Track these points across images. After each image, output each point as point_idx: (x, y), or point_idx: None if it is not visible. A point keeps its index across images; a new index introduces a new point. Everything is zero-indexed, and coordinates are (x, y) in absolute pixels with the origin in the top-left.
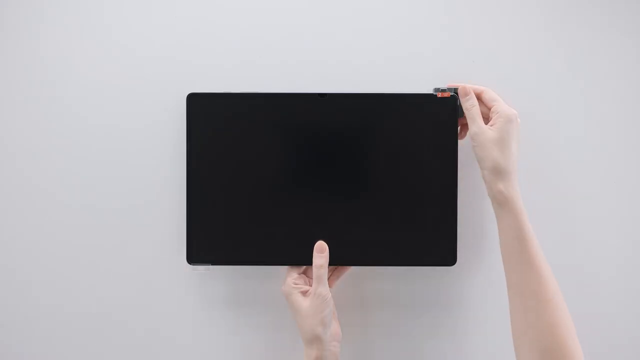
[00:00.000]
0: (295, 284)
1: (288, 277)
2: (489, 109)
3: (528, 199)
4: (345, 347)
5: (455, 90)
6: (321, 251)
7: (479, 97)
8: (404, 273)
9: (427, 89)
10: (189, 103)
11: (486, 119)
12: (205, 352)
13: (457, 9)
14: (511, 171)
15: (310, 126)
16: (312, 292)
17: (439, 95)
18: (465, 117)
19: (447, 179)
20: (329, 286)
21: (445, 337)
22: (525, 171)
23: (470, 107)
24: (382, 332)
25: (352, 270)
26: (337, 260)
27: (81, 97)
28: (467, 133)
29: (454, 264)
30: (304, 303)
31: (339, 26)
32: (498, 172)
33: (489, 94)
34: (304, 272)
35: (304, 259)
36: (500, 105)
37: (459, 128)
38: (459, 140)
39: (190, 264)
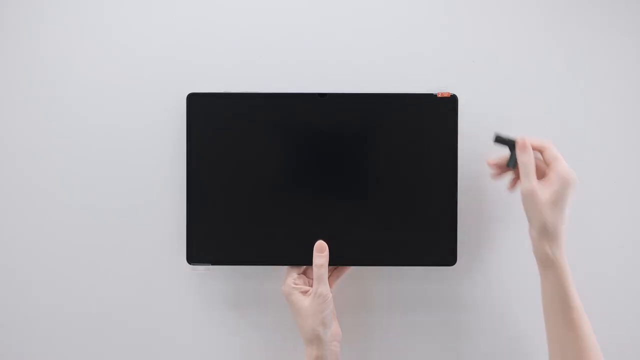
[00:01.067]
0: (295, 284)
1: (288, 277)
2: (548, 164)
3: None
4: (346, 347)
5: (506, 138)
6: (321, 250)
7: (540, 152)
8: (404, 273)
9: (427, 89)
10: (189, 103)
11: (540, 174)
12: (205, 352)
13: (457, 9)
14: (560, 234)
15: (310, 126)
16: (312, 292)
17: (439, 95)
18: (518, 168)
19: (447, 178)
20: (329, 286)
21: (445, 337)
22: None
23: (527, 162)
24: (382, 332)
25: (352, 270)
26: (337, 260)
27: (81, 97)
28: (517, 186)
29: (454, 264)
30: (305, 303)
31: (339, 26)
32: (546, 234)
33: (551, 152)
34: (304, 272)
35: (304, 259)
36: (561, 165)
37: (510, 178)
38: (508, 190)
39: (190, 264)
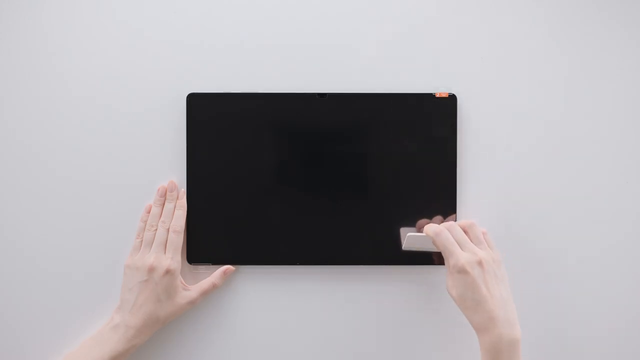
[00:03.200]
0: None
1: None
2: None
3: (539, 196)
4: (344, 348)
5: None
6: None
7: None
8: (404, 273)
9: (427, 89)
10: (189, 103)
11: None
12: (205, 353)
13: (458, 8)
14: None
15: (310, 126)
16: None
17: (437, 95)
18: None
19: (447, 178)
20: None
21: (445, 337)
22: (531, 170)
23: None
24: (381, 332)
25: (351, 270)
26: (337, 260)
27: (80, 97)
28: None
29: None
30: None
31: (339, 26)
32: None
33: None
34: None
35: (304, 259)
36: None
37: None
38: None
39: (190, 264)
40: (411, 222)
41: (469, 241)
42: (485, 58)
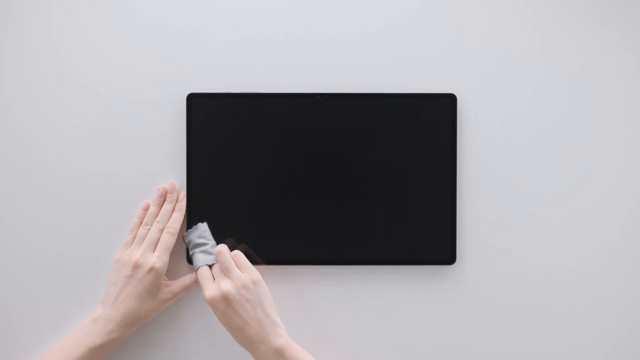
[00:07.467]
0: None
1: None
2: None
3: (539, 197)
4: (343, 348)
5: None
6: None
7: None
8: (403, 273)
9: (427, 89)
10: (189, 103)
11: None
12: (205, 353)
13: (458, 8)
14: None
15: (310, 126)
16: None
17: (437, 95)
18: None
19: (447, 178)
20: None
21: (445, 336)
22: (531, 170)
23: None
24: (381, 332)
25: (351, 270)
26: (337, 260)
27: (81, 97)
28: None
29: (453, 262)
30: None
31: (339, 26)
32: None
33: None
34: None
35: (304, 259)
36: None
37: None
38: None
39: (191, 264)
40: (411, 222)
41: (232, 269)
42: (485, 58)
